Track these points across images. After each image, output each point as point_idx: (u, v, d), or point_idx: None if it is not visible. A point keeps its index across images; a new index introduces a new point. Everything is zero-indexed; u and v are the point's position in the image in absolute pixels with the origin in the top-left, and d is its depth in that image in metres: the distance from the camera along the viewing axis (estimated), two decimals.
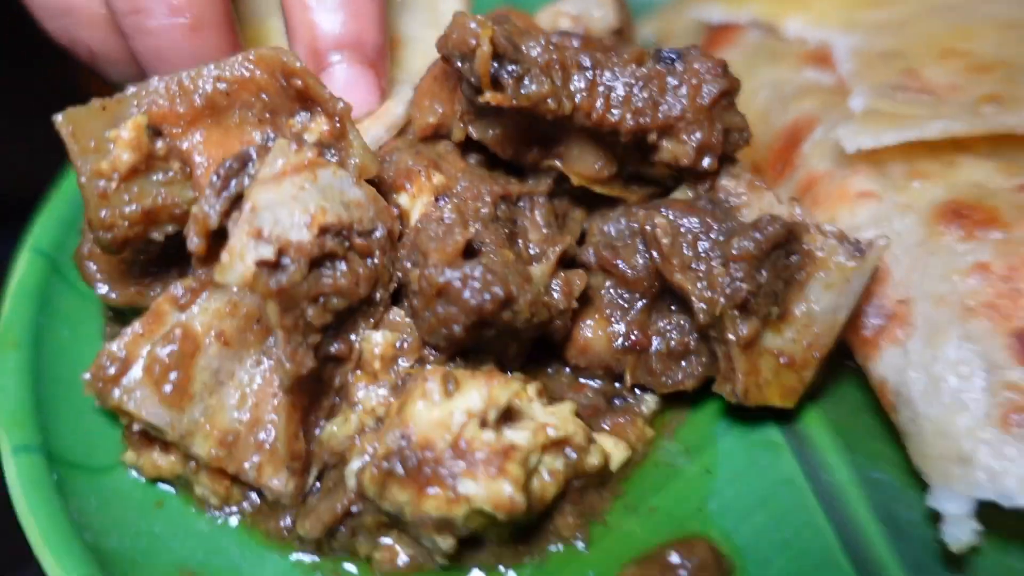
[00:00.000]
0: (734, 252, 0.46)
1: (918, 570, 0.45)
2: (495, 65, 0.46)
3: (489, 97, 0.46)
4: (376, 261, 0.44)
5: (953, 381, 0.45)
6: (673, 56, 0.49)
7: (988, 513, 0.44)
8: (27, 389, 0.48)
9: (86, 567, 0.42)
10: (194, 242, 0.42)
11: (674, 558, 0.44)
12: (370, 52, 0.53)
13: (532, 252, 0.49)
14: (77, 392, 0.47)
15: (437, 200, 0.47)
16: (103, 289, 0.47)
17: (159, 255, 0.47)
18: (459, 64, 0.47)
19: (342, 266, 0.42)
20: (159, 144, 0.44)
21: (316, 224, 0.41)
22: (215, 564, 0.45)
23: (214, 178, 0.42)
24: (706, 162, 0.48)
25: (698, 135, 0.48)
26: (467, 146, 0.52)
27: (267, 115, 0.46)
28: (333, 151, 0.46)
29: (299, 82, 0.45)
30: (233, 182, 0.42)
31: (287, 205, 0.41)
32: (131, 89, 0.44)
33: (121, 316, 0.51)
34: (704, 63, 0.49)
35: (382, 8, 0.54)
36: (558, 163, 0.51)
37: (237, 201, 0.42)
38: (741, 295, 0.45)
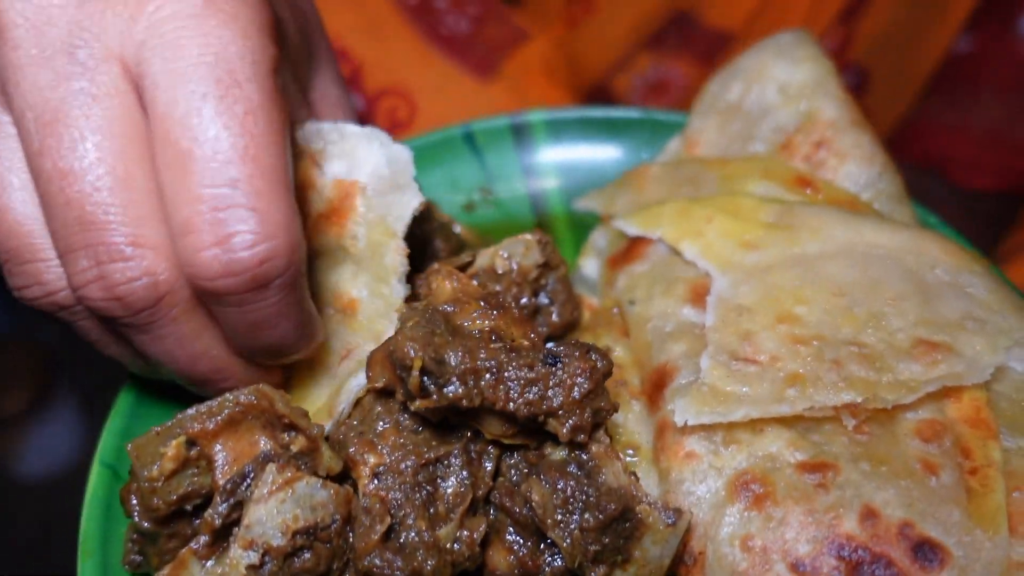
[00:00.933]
0: (586, 523, 0.66)
1: None
2: (424, 379, 0.66)
3: (419, 404, 0.66)
4: (333, 543, 0.66)
5: None
6: (554, 361, 0.67)
7: None
8: None
9: None
10: (202, 540, 0.64)
11: None
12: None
13: (447, 505, 0.69)
14: None
15: (368, 484, 0.68)
16: (144, 526, 0.69)
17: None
18: (398, 370, 0.67)
19: (307, 554, 0.64)
20: (193, 451, 0.66)
21: (290, 531, 0.63)
22: None
23: (222, 493, 0.64)
24: (580, 438, 0.68)
25: (572, 421, 0.67)
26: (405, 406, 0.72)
27: (268, 425, 0.67)
28: (306, 460, 0.67)
29: (285, 419, 0.67)
30: (236, 493, 0.64)
31: (272, 518, 0.63)
32: (178, 416, 0.66)
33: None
34: (576, 366, 0.67)
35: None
36: (475, 424, 0.71)
37: (237, 507, 0.64)
38: (591, 552, 0.66)
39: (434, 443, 0.71)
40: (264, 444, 0.67)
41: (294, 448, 0.67)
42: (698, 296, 0.84)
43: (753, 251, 0.85)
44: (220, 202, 0.57)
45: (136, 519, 0.70)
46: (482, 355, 0.67)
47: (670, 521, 0.66)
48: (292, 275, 0.61)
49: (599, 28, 1.35)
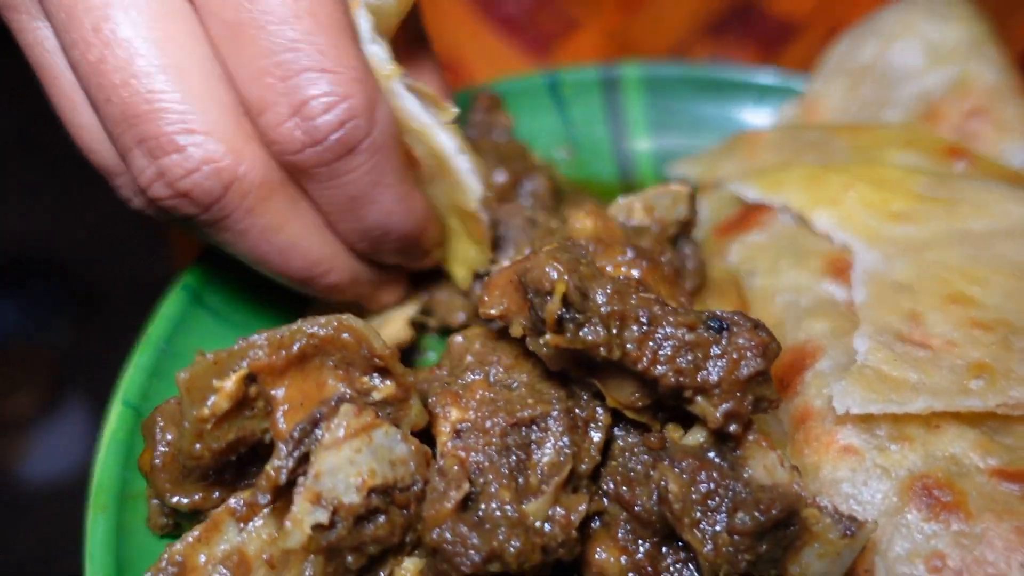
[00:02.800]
0: (738, 525, 0.52)
1: None
2: (562, 310, 0.52)
3: (550, 339, 0.53)
4: (410, 511, 0.52)
5: None
6: (721, 326, 0.54)
7: None
8: (111, 555, 0.58)
9: None
10: (265, 498, 0.50)
11: None
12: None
13: (540, 476, 0.56)
14: (155, 558, 0.56)
15: (448, 443, 0.54)
16: (174, 499, 0.55)
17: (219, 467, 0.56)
18: (531, 296, 0.54)
19: (381, 518, 0.50)
20: (252, 388, 0.52)
21: (366, 487, 0.49)
22: None
23: (288, 441, 0.50)
24: (732, 428, 0.54)
25: (728, 404, 0.54)
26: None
27: (345, 366, 0.54)
28: (390, 409, 0.54)
29: (379, 361, 0.53)
30: (304, 443, 0.51)
31: (344, 469, 0.49)
32: (240, 343, 0.53)
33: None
34: (748, 339, 0.54)
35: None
36: (598, 383, 0.57)
37: (303, 461, 0.51)
38: (741, 565, 0.52)
39: (531, 401, 0.57)
40: (338, 387, 0.54)
41: (376, 396, 0.54)
42: (838, 270, 0.71)
43: (905, 223, 0.72)
44: (285, 70, 0.51)
45: (166, 496, 0.56)
46: (633, 300, 0.54)
47: (848, 532, 0.52)
48: (379, 136, 0.55)
49: (656, 14, 1.27)
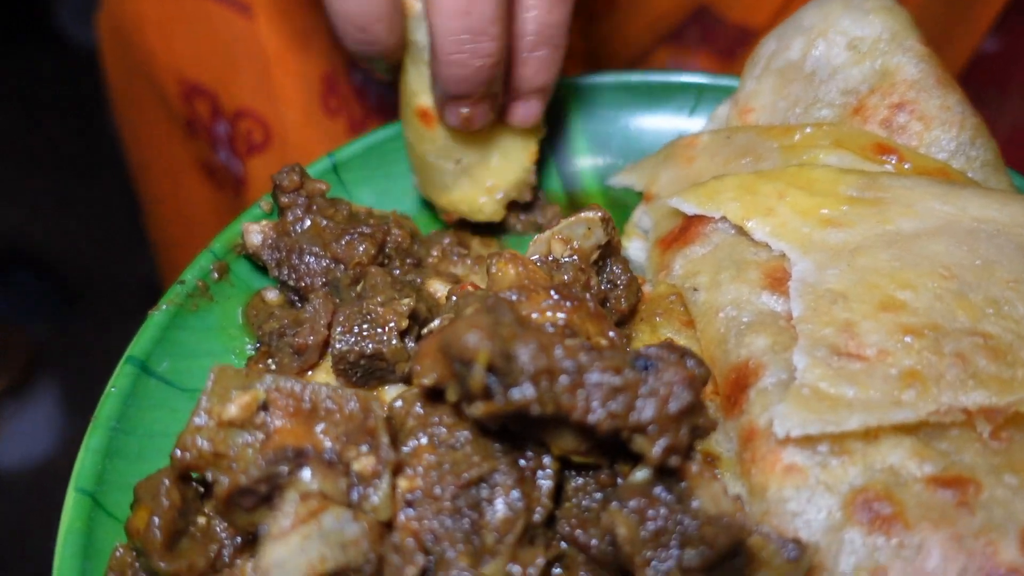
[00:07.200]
0: (686, 562, 0.54)
1: None
2: (489, 377, 0.53)
3: (480, 409, 0.54)
4: None
5: None
6: (646, 365, 0.55)
7: None
8: None
9: None
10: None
11: None
12: None
13: (495, 534, 0.57)
14: None
15: (399, 515, 0.56)
16: (162, 565, 0.56)
17: (205, 532, 0.57)
18: (455, 365, 0.55)
19: None
20: (260, 416, 0.54)
21: (316, 575, 0.50)
22: None
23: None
24: (672, 461, 0.56)
25: (665, 439, 0.55)
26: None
27: (341, 434, 0.56)
28: (361, 488, 0.55)
29: (372, 422, 0.55)
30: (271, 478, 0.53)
31: (293, 560, 0.50)
32: (270, 374, 0.57)
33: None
34: (675, 373, 0.55)
35: None
36: (542, 437, 0.59)
37: (250, 543, 0.52)
38: None
39: (476, 459, 0.59)
40: (325, 442, 0.55)
41: (355, 467, 0.55)
42: (777, 281, 0.73)
43: (836, 229, 0.73)
44: None
45: (153, 558, 0.57)
46: (558, 353, 0.55)
47: (791, 556, 0.54)
48: None
49: (618, 22, 1.28)
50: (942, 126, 0.80)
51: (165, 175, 1.38)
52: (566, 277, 0.70)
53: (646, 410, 0.54)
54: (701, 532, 0.55)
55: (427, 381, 0.57)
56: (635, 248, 0.88)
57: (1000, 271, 0.67)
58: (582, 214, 0.72)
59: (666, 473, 0.58)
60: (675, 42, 1.30)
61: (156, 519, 0.57)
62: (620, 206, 0.94)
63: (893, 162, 0.79)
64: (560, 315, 0.63)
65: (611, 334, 0.65)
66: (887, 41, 0.84)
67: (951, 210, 0.72)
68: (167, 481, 0.58)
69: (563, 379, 0.54)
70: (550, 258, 0.73)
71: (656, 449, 0.54)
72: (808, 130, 0.84)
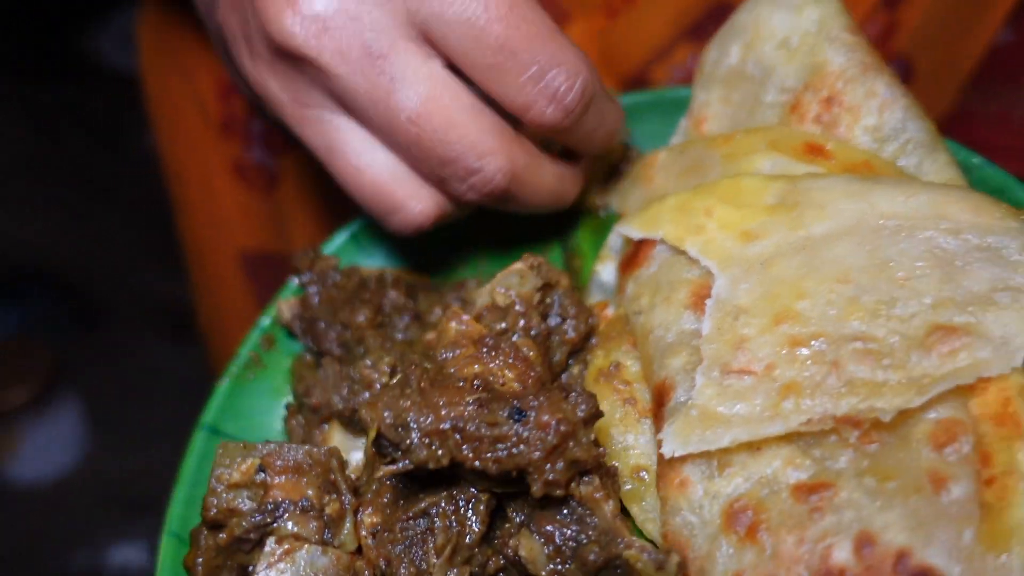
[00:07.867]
0: (572, 574, 0.65)
1: None
2: (382, 444, 0.67)
3: (384, 471, 0.68)
4: None
5: None
6: (520, 416, 0.66)
7: None
8: None
9: None
10: None
11: None
12: None
13: (434, 559, 0.71)
14: None
15: (369, 544, 0.71)
16: None
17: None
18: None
19: None
20: (260, 476, 0.72)
21: None
22: None
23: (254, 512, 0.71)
24: (556, 493, 0.66)
25: (547, 477, 0.66)
26: None
27: (318, 485, 0.72)
28: (329, 531, 0.71)
29: (334, 476, 0.72)
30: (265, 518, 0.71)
31: None
32: (268, 445, 0.74)
33: None
34: (550, 416, 0.66)
35: None
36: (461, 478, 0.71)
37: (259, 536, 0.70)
38: None
39: (421, 495, 0.72)
40: (307, 492, 0.72)
41: (327, 510, 0.71)
42: (699, 300, 0.78)
43: (754, 241, 0.77)
44: (535, 79, 0.75)
45: None
46: (443, 413, 0.67)
47: (660, 565, 0.63)
48: (596, 81, 0.79)
49: (638, 18, 1.31)
50: (870, 114, 0.80)
51: (198, 181, 1.50)
52: (504, 325, 0.81)
53: (521, 456, 0.65)
54: (588, 548, 0.65)
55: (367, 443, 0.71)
56: (607, 271, 0.95)
57: (896, 269, 0.68)
58: (513, 266, 0.82)
59: (571, 497, 0.68)
60: (695, 38, 1.30)
61: (199, 559, 0.76)
62: (608, 229, 1.01)
63: (823, 161, 0.81)
64: (476, 367, 0.74)
65: (532, 373, 0.76)
66: (814, 34, 0.84)
67: (861, 207, 0.73)
68: (204, 530, 0.78)
69: (455, 436, 0.66)
70: (501, 305, 0.84)
71: (535, 488, 0.65)
72: (745, 136, 0.86)
